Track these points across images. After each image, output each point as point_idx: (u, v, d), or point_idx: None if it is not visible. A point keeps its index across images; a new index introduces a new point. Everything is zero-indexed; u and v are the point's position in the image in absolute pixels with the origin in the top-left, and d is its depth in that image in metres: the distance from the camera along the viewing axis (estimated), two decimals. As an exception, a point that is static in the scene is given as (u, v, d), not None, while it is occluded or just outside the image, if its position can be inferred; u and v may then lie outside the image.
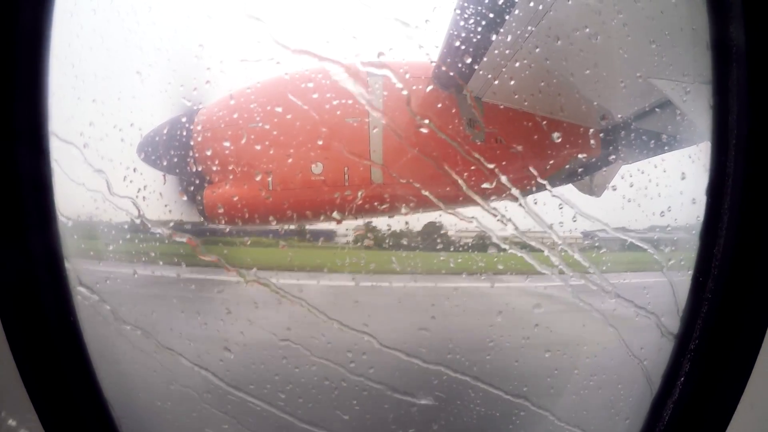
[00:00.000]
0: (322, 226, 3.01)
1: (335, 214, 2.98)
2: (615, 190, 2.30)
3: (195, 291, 2.40)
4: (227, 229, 2.98)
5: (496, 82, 2.68)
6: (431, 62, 2.80)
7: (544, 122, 2.50)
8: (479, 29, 2.44)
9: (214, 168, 3.29)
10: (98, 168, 1.93)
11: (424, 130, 2.67)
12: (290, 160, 3.14)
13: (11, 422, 1.24)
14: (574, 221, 2.52)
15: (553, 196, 2.27)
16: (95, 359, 1.42)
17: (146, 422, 1.77)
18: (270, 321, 2.33)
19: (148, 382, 2.10)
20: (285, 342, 2.24)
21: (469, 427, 2.22)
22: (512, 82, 2.59)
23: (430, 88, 2.84)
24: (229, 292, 2.39)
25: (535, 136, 2.49)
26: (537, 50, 2.46)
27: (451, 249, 2.84)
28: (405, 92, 2.68)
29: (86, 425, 1.38)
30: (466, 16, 2.44)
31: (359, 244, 2.94)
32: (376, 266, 2.71)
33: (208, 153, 3.28)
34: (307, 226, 3.10)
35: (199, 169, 3.30)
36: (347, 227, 2.92)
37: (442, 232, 2.83)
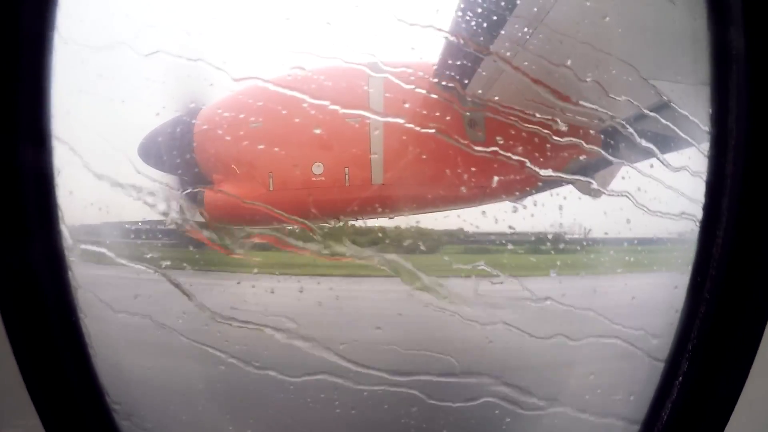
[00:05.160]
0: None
1: (336, 215, 2.99)
2: (613, 191, 2.31)
3: (197, 291, 2.41)
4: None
5: (498, 82, 2.69)
6: (432, 63, 2.81)
7: (545, 123, 2.51)
8: (481, 30, 2.44)
9: (216, 168, 3.30)
10: (101, 168, 1.94)
11: (424, 131, 2.68)
12: (291, 161, 3.15)
13: (14, 425, 1.25)
14: (574, 220, 2.54)
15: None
16: (98, 360, 1.43)
17: (149, 424, 1.78)
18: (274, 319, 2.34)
19: (151, 384, 2.11)
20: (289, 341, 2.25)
21: (468, 425, 2.22)
22: (513, 83, 2.59)
23: (431, 88, 2.84)
24: (235, 291, 2.41)
25: (536, 138, 2.49)
26: (538, 51, 2.47)
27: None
28: (406, 93, 2.69)
29: (88, 427, 1.39)
30: (467, 16, 2.45)
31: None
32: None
33: (210, 153, 3.29)
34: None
35: (201, 169, 3.31)
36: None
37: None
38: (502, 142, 2.54)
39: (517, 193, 2.71)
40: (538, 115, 2.57)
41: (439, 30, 2.41)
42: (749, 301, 1.26)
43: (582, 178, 2.49)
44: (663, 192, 1.99)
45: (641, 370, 1.60)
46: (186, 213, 2.64)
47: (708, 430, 1.29)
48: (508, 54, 2.46)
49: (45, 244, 1.31)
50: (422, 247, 2.71)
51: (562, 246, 2.59)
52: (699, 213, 1.38)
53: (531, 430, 2.14)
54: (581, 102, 2.37)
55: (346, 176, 3.13)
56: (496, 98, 2.81)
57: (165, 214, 2.38)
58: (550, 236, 2.59)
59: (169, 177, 3.04)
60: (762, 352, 1.21)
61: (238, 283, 2.45)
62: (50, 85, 1.28)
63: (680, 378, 1.35)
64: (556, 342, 2.10)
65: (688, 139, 1.84)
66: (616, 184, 2.33)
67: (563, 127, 2.46)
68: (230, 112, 3.17)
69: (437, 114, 2.76)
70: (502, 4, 2.43)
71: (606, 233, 2.40)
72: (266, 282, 2.45)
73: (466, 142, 2.78)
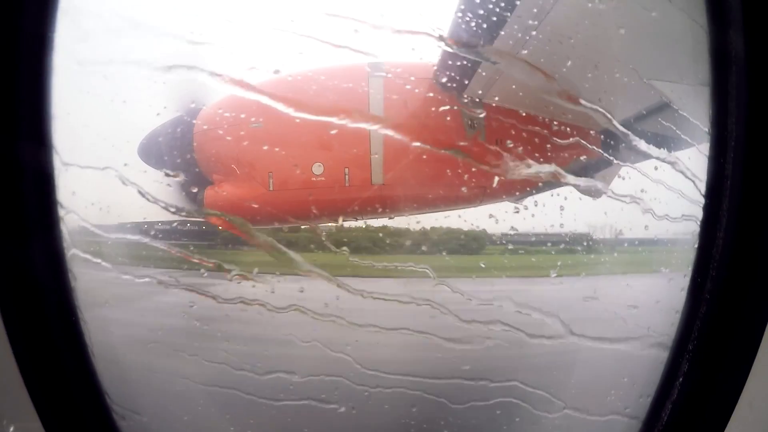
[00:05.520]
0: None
1: (336, 215, 3.00)
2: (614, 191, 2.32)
3: (197, 290, 2.42)
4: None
5: (497, 83, 2.69)
6: (432, 63, 2.81)
7: (545, 124, 2.51)
8: (480, 31, 2.44)
9: (216, 168, 3.31)
10: (102, 169, 1.94)
11: (424, 131, 2.68)
12: (291, 161, 3.15)
13: (14, 425, 1.24)
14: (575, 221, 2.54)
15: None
16: (97, 360, 1.43)
17: (148, 424, 1.78)
18: (276, 320, 2.34)
19: (150, 384, 2.11)
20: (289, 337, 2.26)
21: (468, 425, 2.23)
22: (513, 84, 2.59)
23: (431, 89, 2.85)
24: (235, 290, 2.40)
25: (536, 138, 2.50)
26: (538, 52, 2.47)
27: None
28: (406, 93, 2.70)
29: (88, 427, 1.39)
30: (467, 17, 2.45)
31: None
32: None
33: (210, 153, 3.30)
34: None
35: (201, 169, 3.32)
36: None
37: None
38: (502, 142, 2.54)
39: (518, 194, 2.71)
40: (538, 115, 2.57)
41: (440, 30, 2.41)
42: (749, 301, 1.26)
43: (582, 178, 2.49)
44: (662, 192, 1.99)
45: (642, 370, 1.60)
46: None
47: (708, 430, 1.29)
48: (508, 54, 2.46)
49: (45, 244, 1.31)
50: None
51: (564, 246, 2.60)
52: (699, 213, 1.38)
53: (532, 430, 2.14)
54: (581, 102, 2.37)
55: (346, 176, 3.14)
56: (496, 99, 2.82)
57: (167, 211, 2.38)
58: (584, 240, 2.59)
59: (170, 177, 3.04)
60: (762, 352, 1.21)
61: (239, 282, 2.45)
62: (51, 85, 1.28)
63: (681, 378, 1.35)
64: (558, 342, 2.10)
65: (688, 139, 1.85)
66: (615, 184, 2.34)
67: (563, 128, 2.47)
68: (230, 113, 3.17)
69: (437, 114, 2.77)
70: (502, 4, 2.43)
71: (622, 233, 2.40)
72: (265, 281, 2.45)
73: (466, 141, 2.79)
